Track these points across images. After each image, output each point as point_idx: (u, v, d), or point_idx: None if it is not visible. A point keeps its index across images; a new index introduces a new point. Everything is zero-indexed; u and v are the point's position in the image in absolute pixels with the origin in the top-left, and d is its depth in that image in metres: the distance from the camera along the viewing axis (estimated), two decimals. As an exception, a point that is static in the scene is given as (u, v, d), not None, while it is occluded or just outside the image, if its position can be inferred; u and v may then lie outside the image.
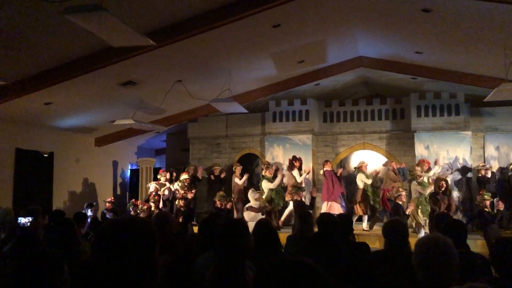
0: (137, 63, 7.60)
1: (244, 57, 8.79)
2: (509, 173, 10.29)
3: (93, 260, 1.43)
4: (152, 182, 11.73)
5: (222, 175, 12.08)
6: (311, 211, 7.44)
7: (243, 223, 2.81)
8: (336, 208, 10.22)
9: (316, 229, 4.21)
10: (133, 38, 5.24)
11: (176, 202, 10.30)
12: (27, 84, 7.51)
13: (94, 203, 10.72)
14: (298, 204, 9.50)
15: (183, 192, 10.64)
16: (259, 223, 4.59)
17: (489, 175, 10.27)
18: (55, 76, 7.38)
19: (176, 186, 11.19)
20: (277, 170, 11.23)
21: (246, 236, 2.61)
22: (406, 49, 9.13)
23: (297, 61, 9.64)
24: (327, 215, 4.41)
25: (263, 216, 9.03)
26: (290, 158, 11.50)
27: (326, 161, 11.15)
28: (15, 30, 5.87)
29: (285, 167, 11.77)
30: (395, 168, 10.41)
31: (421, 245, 2.18)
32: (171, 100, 9.89)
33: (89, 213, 9.86)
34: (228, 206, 10.05)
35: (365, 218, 10.61)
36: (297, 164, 11.21)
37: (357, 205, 10.61)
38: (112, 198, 11.28)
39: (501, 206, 8.22)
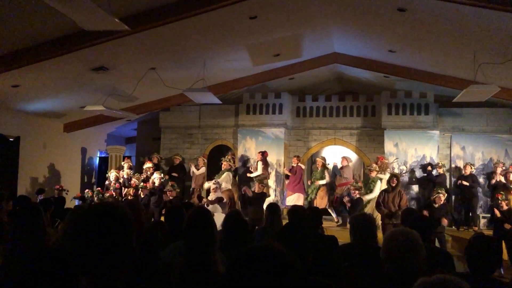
0: (110, 48, 7.44)
1: (220, 48, 8.73)
2: (462, 173, 10.68)
3: (69, 247, 1.39)
4: (112, 171, 11.55)
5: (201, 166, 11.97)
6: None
7: (205, 210, 2.80)
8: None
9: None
10: (106, 22, 5.14)
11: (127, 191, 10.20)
12: (-6, 64, 7.27)
13: (46, 189, 10.49)
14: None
15: (141, 183, 10.53)
16: (229, 215, 4.59)
17: (434, 173, 10.62)
18: (24, 57, 7.15)
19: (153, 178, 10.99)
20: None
21: (212, 223, 2.61)
22: (380, 47, 9.26)
23: (272, 54, 9.65)
24: (297, 208, 4.45)
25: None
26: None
27: (295, 156, 11.32)
28: (-18, 8, 5.66)
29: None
30: (343, 165, 10.88)
31: (389, 238, 2.23)
32: (144, 87, 9.75)
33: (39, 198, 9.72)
34: (173, 194, 9.88)
35: (331, 212, 10.77)
36: (258, 157, 11.27)
37: (317, 199, 10.83)
38: (62, 185, 11.04)
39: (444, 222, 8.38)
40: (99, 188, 11.37)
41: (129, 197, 9.62)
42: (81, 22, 5.12)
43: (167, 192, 9.85)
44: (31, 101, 9.97)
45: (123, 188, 10.98)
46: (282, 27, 8.18)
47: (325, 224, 10.08)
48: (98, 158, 14.14)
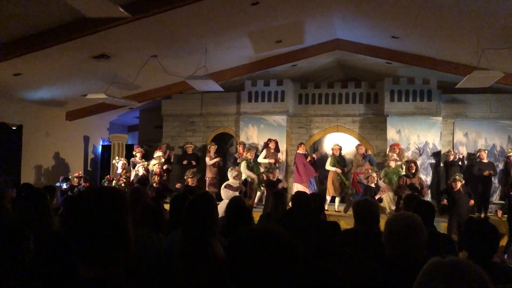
0: (111, 35, 7.41)
1: (222, 35, 8.68)
2: (477, 160, 10.59)
3: (64, 231, 1.39)
4: (121, 159, 11.57)
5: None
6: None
7: (208, 196, 2.81)
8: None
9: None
10: (108, 9, 5.14)
11: (152, 179, 10.20)
12: (-5, 53, 7.26)
13: (70, 177, 10.61)
14: (269, 184, 9.61)
15: (157, 169, 10.58)
16: (232, 201, 4.62)
17: (450, 158, 10.55)
18: (25, 46, 7.14)
19: (152, 164, 11.03)
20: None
21: (213, 209, 2.61)
22: (382, 33, 9.19)
23: (274, 41, 9.60)
24: (301, 194, 4.47)
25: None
26: (265, 140, 11.51)
27: (300, 143, 11.26)
28: (-17, -4, 5.64)
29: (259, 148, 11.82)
30: (360, 153, 10.61)
31: (391, 222, 2.24)
32: (146, 75, 9.73)
33: (64, 186, 9.83)
34: (194, 182, 9.98)
35: (337, 199, 10.78)
36: (272, 145, 11.22)
37: (328, 186, 10.80)
38: (80, 172, 11.19)
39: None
40: (108, 176, 11.42)
41: (154, 185, 9.65)
42: (83, 9, 5.11)
43: (188, 179, 9.93)
44: (33, 90, 9.97)
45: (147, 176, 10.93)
46: (284, 13, 8.12)
47: (329, 212, 10.16)
48: (101, 146, 14.17)
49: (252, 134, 12.21)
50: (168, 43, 8.56)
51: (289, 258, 1.24)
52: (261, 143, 11.83)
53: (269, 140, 11.31)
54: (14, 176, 10.00)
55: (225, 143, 13.17)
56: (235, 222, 3.85)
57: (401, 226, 2.15)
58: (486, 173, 10.03)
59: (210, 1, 6.59)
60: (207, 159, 11.59)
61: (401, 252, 2.14)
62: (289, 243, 1.27)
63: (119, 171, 11.07)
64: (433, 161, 11.11)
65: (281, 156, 11.50)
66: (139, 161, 11.17)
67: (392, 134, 11.32)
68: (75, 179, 10.50)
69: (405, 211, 2.69)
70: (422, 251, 2.15)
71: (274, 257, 1.22)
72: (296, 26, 8.99)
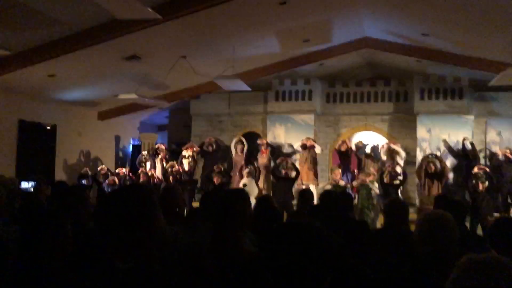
0: (141, 37, 7.54)
1: (249, 34, 8.73)
2: (501, 159, 10.31)
3: (96, 227, 1.45)
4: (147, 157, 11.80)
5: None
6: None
7: (243, 192, 2.81)
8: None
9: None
10: (138, 11, 5.24)
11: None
12: (30, 55, 7.47)
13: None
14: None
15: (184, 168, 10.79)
16: (260, 200, 4.62)
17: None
18: (59, 47, 7.35)
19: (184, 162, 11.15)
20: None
21: (245, 205, 2.62)
22: (412, 31, 9.06)
23: (302, 40, 9.57)
24: (329, 192, 4.46)
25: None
26: (292, 140, 11.54)
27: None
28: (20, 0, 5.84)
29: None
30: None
31: (424, 220, 2.21)
32: (175, 75, 9.85)
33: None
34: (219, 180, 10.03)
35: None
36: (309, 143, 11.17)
37: None
38: (105, 167, 11.42)
39: None
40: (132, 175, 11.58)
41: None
42: (114, 11, 5.23)
43: (214, 178, 10.03)
44: (66, 90, 10.24)
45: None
46: (312, 11, 8.09)
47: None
48: (131, 146, 14.41)
49: (279, 133, 12.22)
50: (197, 44, 8.66)
51: (324, 250, 1.27)
52: (288, 142, 11.81)
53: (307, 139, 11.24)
54: (49, 175, 10.29)
55: (252, 143, 13.19)
56: (263, 221, 3.87)
57: (432, 224, 2.13)
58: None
59: (238, 1, 6.63)
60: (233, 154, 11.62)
61: (433, 250, 2.12)
62: (324, 235, 1.29)
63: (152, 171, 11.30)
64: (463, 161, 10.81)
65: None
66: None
67: (422, 133, 11.13)
68: (101, 174, 10.75)
69: (436, 209, 2.67)
70: (454, 249, 2.13)
71: (310, 248, 1.25)
72: (324, 24, 8.95)
